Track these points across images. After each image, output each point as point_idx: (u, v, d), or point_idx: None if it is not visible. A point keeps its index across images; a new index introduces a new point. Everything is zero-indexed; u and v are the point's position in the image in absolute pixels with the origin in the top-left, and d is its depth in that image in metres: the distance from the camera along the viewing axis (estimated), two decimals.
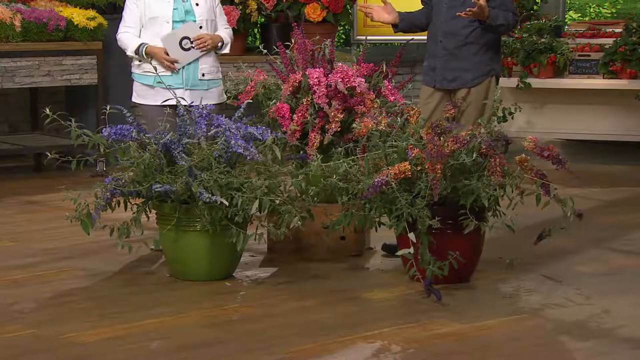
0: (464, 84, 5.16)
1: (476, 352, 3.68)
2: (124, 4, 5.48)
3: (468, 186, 4.37)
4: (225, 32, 5.39)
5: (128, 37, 5.32)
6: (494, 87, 5.24)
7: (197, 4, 5.30)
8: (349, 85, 4.87)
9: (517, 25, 5.06)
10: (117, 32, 5.38)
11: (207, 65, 5.32)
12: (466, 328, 3.93)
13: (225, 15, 5.66)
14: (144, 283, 4.58)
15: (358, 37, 9.86)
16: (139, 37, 5.29)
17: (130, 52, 5.31)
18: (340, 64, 5.00)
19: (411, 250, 4.34)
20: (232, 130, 4.50)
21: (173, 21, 5.27)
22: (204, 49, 5.24)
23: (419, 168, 4.37)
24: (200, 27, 5.29)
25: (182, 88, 5.17)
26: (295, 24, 5.24)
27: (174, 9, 5.28)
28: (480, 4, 4.91)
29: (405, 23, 5.30)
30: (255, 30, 9.57)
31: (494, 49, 5.20)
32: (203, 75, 5.30)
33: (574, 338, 3.85)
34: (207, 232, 4.43)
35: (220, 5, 5.46)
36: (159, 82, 5.16)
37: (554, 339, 3.86)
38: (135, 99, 5.41)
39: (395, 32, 5.41)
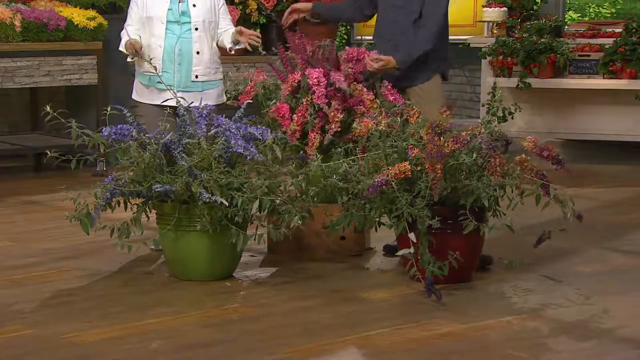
0: (411, 83, 5.16)
1: (476, 352, 3.68)
2: (126, 4, 5.50)
3: (468, 186, 4.37)
4: (230, 32, 5.39)
5: (123, 34, 5.34)
6: (439, 84, 5.27)
7: (194, 5, 5.29)
8: (357, 58, 4.91)
9: (432, 36, 5.11)
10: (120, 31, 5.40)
11: (201, 67, 5.31)
12: (466, 328, 3.94)
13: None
14: (144, 283, 4.58)
15: (357, 37, 9.87)
16: (139, 35, 5.31)
17: (120, 47, 5.34)
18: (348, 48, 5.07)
19: (411, 250, 4.34)
20: (232, 130, 4.50)
21: (167, 21, 5.27)
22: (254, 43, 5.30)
23: (419, 168, 4.38)
24: (196, 29, 5.29)
25: (174, 89, 5.13)
26: (295, 24, 5.25)
27: (168, 9, 5.28)
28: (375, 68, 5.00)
29: (323, 10, 5.48)
30: (257, 30, 9.58)
31: (436, 49, 5.17)
32: (196, 77, 5.30)
33: (574, 338, 3.85)
34: (207, 232, 4.43)
35: (225, 5, 5.45)
36: (159, 82, 5.17)
37: (554, 339, 3.86)
38: (134, 96, 5.43)
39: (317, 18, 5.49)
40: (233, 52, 5.41)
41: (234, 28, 5.36)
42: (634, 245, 5.35)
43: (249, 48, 5.32)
